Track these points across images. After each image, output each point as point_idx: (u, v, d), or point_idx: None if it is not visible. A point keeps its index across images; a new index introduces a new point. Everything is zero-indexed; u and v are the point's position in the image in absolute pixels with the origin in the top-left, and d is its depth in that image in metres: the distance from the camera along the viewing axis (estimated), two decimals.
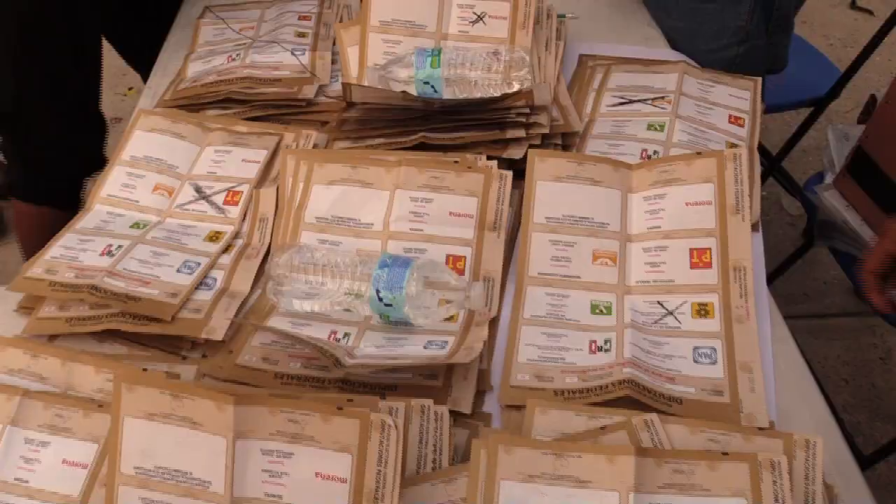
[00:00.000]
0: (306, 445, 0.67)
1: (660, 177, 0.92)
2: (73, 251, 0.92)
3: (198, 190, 1.02)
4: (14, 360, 0.82)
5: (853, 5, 3.11)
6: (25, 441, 0.76)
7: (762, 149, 2.06)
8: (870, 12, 3.04)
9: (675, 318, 0.84)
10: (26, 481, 0.74)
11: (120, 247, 0.93)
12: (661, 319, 0.85)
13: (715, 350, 0.81)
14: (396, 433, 0.65)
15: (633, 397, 0.75)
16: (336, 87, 1.16)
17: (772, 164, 1.94)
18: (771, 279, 1.89)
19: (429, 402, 0.73)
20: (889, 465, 1.71)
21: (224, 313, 0.86)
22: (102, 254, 0.91)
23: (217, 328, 0.84)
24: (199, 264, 0.92)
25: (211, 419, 0.67)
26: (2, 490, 0.74)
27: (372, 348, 0.82)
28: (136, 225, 0.97)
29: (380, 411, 0.67)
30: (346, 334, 0.84)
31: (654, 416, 0.73)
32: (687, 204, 0.90)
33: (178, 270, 0.91)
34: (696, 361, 0.80)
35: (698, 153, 0.92)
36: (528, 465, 0.68)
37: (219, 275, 0.91)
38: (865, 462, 1.61)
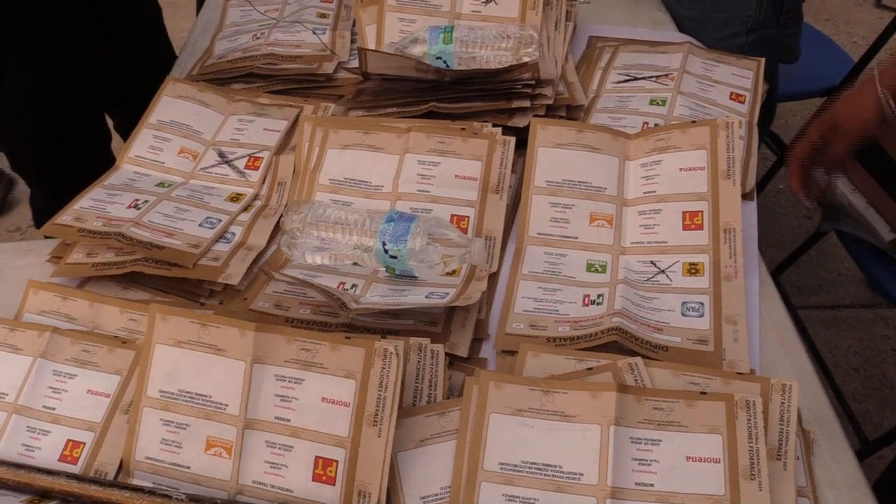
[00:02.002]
0: (315, 372, 0.72)
1: (656, 144, 0.96)
2: (102, 203, 0.98)
3: (221, 155, 1.08)
4: (46, 302, 0.89)
5: (878, 4, 3.10)
6: (54, 373, 0.82)
7: (777, 139, 2.08)
8: (895, 10, 3.03)
9: (667, 275, 0.88)
10: (53, 408, 0.80)
11: (146, 201, 0.99)
12: (653, 277, 0.89)
13: (703, 304, 0.84)
14: (397, 360, 0.70)
15: (621, 343, 0.79)
16: (354, 64, 1.22)
17: (784, 153, 1.96)
18: (783, 268, 1.93)
19: (426, 340, 0.78)
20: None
21: (241, 263, 0.92)
22: (129, 206, 0.98)
23: (234, 274, 0.90)
24: (219, 220, 0.98)
25: (234, 344, 0.73)
26: (31, 416, 0.80)
27: (377, 297, 0.87)
28: (161, 184, 1.04)
29: None
30: (353, 285, 0.89)
31: (638, 360, 0.77)
32: (681, 169, 0.93)
33: (201, 225, 0.97)
34: (683, 315, 0.84)
35: (693, 122, 0.96)
36: (517, 399, 0.73)
37: (237, 230, 0.97)
38: (871, 448, 1.63)
